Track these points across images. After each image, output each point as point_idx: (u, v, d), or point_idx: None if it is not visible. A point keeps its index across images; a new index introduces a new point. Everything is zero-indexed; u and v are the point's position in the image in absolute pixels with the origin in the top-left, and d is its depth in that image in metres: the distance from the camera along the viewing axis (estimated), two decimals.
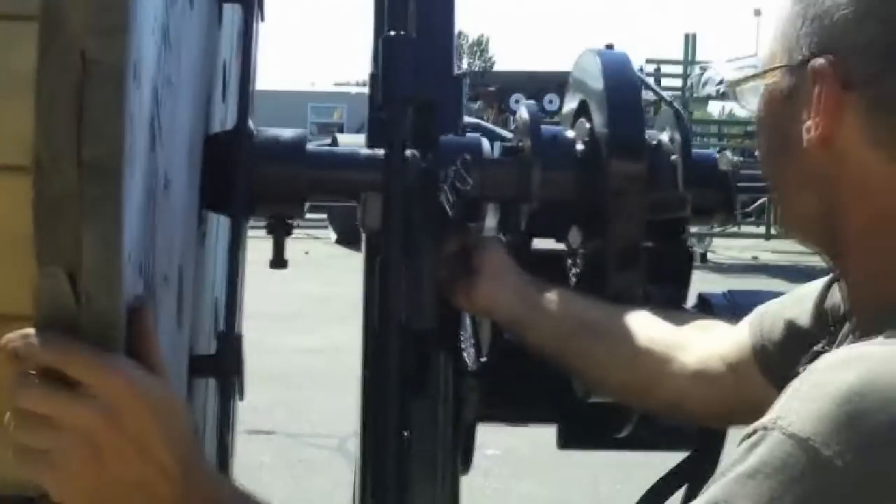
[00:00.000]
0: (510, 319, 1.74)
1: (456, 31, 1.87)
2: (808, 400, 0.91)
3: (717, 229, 13.26)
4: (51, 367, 1.01)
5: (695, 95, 16.59)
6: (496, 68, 56.21)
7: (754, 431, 0.93)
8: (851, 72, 1.03)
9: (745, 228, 16.31)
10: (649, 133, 1.80)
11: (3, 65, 1.25)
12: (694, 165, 1.78)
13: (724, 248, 15.84)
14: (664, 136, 1.82)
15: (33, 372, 1.01)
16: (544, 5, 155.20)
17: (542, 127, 1.79)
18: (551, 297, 1.70)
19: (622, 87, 1.76)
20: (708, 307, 1.79)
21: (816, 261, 1.23)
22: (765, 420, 0.93)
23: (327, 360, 7.79)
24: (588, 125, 1.78)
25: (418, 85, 1.69)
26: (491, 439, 6.08)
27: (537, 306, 1.69)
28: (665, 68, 17.67)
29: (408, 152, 1.66)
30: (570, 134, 1.83)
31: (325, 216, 15.54)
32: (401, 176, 1.64)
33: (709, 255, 15.82)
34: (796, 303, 1.40)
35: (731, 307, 1.76)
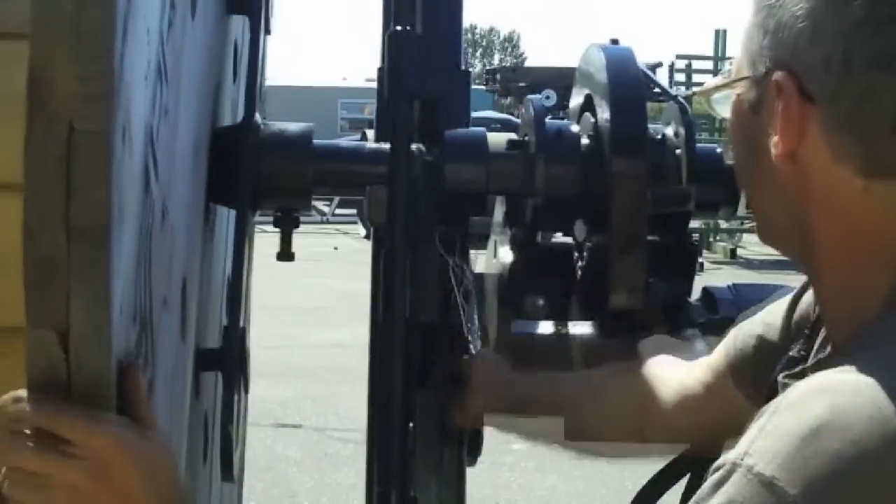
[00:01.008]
0: (503, 426, 1.81)
1: (467, 25, 1.89)
2: (773, 437, 0.90)
3: (746, 224, 13.18)
4: (42, 427, 1.04)
5: None
6: (527, 64, 56.05)
7: (722, 465, 0.93)
8: (811, 86, 1.01)
9: None
10: (654, 127, 1.81)
11: (5, 84, 1.26)
12: (698, 160, 1.79)
13: (755, 244, 15.72)
14: (669, 131, 1.83)
15: (27, 431, 1.04)
16: (575, 1, 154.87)
17: (547, 121, 1.81)
18: (536, 392, 1.74)
19: (625, 82, 1.77)
20: (712, 301, 1.80)
21: None
22: (732, 455, 0.92)
23: (354, 355, 7.76)
24: (592, 119, 1.80)
25: (424, 80, 1.71)
26: None
27: (525, 407, 1.74)
28: (695, 64, 17.58)
29: (413, 146, 1.68)
30: (575, 128, 1.84)
31: (354, 211, 15.58)
32: (405, 169, 1.66)
33: (738, 251, 15.73)
34: (767, 318, 1.41)
35: (736, 301, 1.77)
